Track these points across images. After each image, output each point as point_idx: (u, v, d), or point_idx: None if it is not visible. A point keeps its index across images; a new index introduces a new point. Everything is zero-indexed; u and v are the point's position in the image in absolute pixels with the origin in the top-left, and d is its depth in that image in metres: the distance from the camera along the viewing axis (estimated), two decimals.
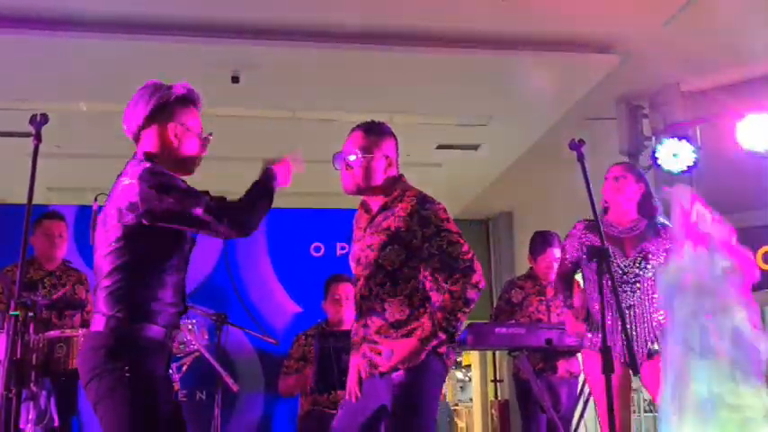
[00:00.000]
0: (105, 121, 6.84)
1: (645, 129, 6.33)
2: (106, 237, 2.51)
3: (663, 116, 6.17)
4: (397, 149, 3.03)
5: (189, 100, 2.72)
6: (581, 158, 2.96)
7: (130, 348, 2.43)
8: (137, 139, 2.69)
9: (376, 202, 2.96)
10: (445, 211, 2.89)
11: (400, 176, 3.01)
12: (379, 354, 2.80)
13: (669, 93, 6.15)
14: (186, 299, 2.68)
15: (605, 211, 3.88)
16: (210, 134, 2.77)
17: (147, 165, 2.55)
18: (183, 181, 2.56)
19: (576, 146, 2.95)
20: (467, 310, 2.78)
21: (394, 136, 3.03)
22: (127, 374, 2.39)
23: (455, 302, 2.77)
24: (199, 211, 2.46)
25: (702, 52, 5.70)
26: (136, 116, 2.67)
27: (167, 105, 2.66)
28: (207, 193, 2.58)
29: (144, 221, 2.44)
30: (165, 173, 2.53)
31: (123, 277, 2.47)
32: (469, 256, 2.82)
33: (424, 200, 2.88)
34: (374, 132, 2.97)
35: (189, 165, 2.70)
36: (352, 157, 2.90)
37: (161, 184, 2.46)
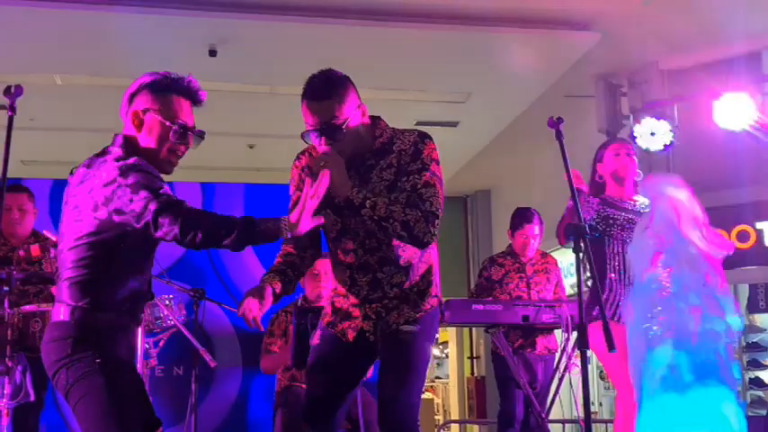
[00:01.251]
0: (79, 94, 6.78)
1: (623, 107, 6.36)
2: (76, 227, 2.42)
3: (641, 95, 6.20)
4: (356, 88, 2.71)
5: (161, 86, 2.54)
6: (559, 136, 2.95)
7: (98, 337, 2.41)
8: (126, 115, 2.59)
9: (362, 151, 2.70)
10: (437, 152, 2.71)
11: (376, 118, 2.76)
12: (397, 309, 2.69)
13: (648, 71, 6.18)
14: (151, 286, 2.64)
15: (601, 186, 3.83)
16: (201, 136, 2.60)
17: (130, 161, 2.41)
18: (159, 180, 2.41)
19: (555, 124, 2.94)
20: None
21: (349, 79, 2.68)
22: (97, 360, 2.38)
23: (399, 237, 2.60)
24: (153, 206, 2.30)
25: (681, 31, 5.71)
26: (129, 96, 2.57)
27: (136, 92, 2.53)
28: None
29: (114, 218, 2.37)
30: (143, 170, 2.39)
31: (90, 270, 2.42)
32: (438, 206, 2.62)
33: (423, 135, 2.73)
34: (333, 91, 2.59)
35: (161, 167, 2.52)
36: (331, 132, 2.57)
37: (136, 183, 2.34)
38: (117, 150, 2.47)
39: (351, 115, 2.63)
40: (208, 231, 2.29)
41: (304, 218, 2.36)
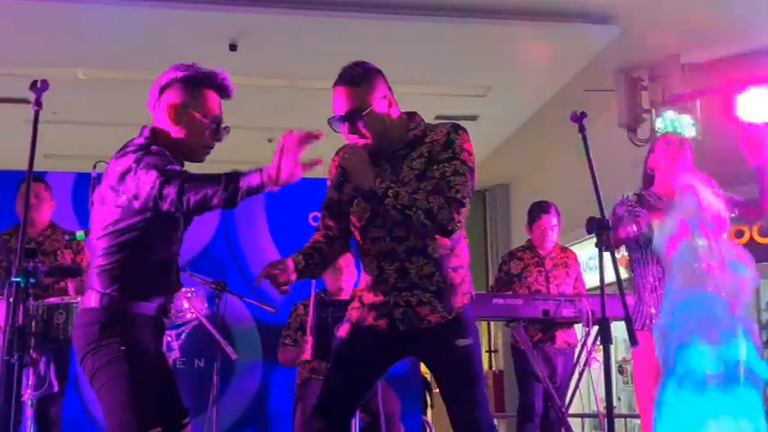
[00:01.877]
0: (101, 88, 6.83)
1: (643, 101, 6.33)
2: (103, 217, 2.49)
3: (662, 88, 6.17)
4: (388, 84, 2.71)
5: (196, 80, 2.57)
6: (582, 131, 2.93)
7: (124, 324, 2.46)
8: (155, 108, 2.62)
9: (397, 145, 2.70)
10: (470, 143, 2.68)
11: (413, 113, 2.78)
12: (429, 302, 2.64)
13: (669, 65, 6.15)
14: (180, 277, 2.69)
15: (650, 179, 3.70)
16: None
17: (148, 146, 2.47)
18: (173, 163, 2.44)
19: (578, 118, 2.92)
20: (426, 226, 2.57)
21: (380, 71, 2.70)
22: (122, 348, 2.43)
23: (424, 225, 2.56)
24: (152, 174, 2.32)
25: (703, 24, 5.68)
26: (156, 91, 2.59)
27: (168, 84, 2.56)
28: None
29: (134, 204, 2.40)
30: (157, 154, 2.44)
31: (118, 258, 2.47)
32: (465, 194, 2.58)
33: (457, 126, 2.71)
34: (360, 79, 2.63)
35: (192, 158, 2.60)
36: (354, 118, 2.61)
37: (147, 164, 2.38)
38: (140, 140, 2.50)
39: (375, 105, 2.64)
40: (197, 193, 2.28)
41: (284, 168, 2.30)
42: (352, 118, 2.63)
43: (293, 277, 2.65)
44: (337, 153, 2.82)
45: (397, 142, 2.71)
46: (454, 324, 2.68)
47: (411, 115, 2.78)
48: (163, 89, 2.56)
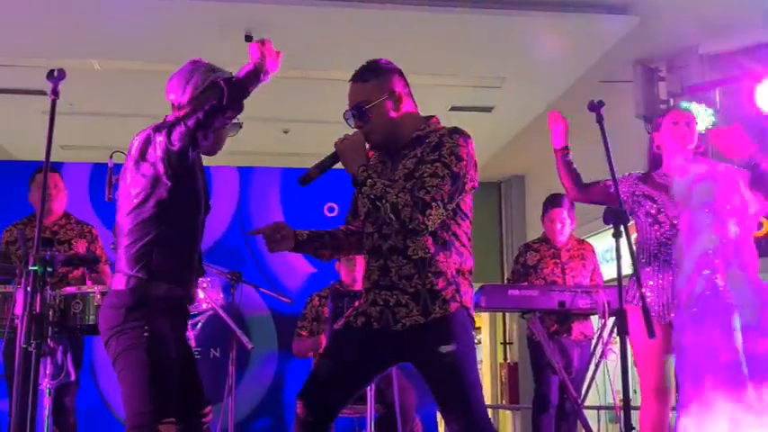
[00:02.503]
0: (117, 79, 6.85)
1: (661, 92, 6.27)
2: (128, 193, 2.57)
3: (680, 79, 6.11)
4: (406, 83, 2.77)
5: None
6: (600, 120, 2.91)
7: (148, 308, 2.50)
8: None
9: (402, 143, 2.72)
10: (466, 148, 2.63)
11: (431, 116, 2.79)
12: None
13: (687, 55, 6.08)
14: (203, 262, 2.73)
15: (658, 159, 3.60)
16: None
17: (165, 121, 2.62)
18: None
19: (596, 107, 2.90)
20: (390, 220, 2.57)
21: (396, 70, 2.77)
22: (145, 334, 2.47)
23: (390, 219, 2.57)
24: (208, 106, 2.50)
25: (722, 13, 5.62)
26: (184, 92, 2.69)
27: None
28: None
29: (159, 168, 2.52)
30: (171, 121, 2.58)
31: (143, 237, 2.54)
32: (435, 196, 2.53)
33: (454, 130, 2.69)
34: (369, 75, 2.71)
35: (209, 153, 2.77)
36: (360, 111, 2.68)
37: (162, 125, 2.56)
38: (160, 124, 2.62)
39: (381, 101, 2.69)
40: (205, 108, 2.49)
41: (268, 54, 2.59)
42: (357, 111, 2.70)
43: (289, 240, 2.73)
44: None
45: (403, 140, 2.73)
46: (436, 330, 2.61)
47: (427, 118, 2.80)
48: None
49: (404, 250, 2.64)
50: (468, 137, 2.69)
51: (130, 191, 2.56)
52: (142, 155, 2.54)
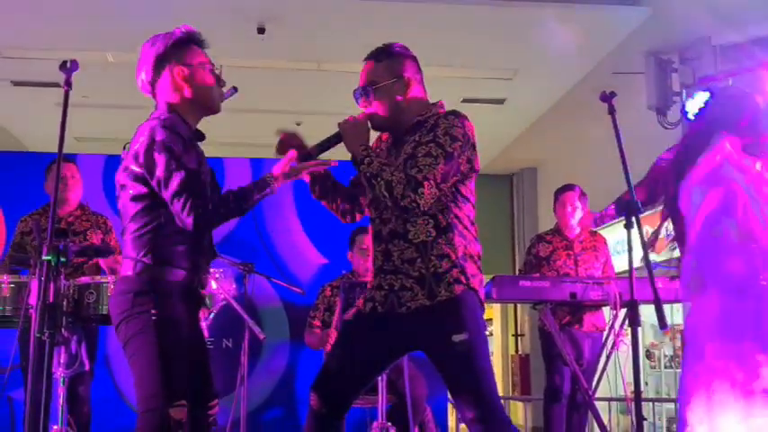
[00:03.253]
0: (131, 71, 6.87)
1: (674, 83, 6.25)
2: (130, 180, 2.56)
3: (693, 70, 6.09)
4: (418, 69, 2.79)
5: (188, 40, 2.69)
6: (612, 111, 2.89)
7: (156, 292, 2.50)
8: (153, 94, 2.69)
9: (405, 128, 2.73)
10: (462, 129, 2.63)
11: (437, 102, 2.78)
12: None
13: (700, 46, 6.06)
14: (213, 245, 2.72)
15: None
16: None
17: (164, 116, 2.59)
18: (180, 145, 2.52)
19: (608, 98, 2.88)
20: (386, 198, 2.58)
21: (408, 55, 2.79)
22: (153, 318, 2.47)
23: (383, 197, 2.58)
24: (176, 181, 2.46)
25: (734, 5, 5.59)
26: (145, 71, 2.67)
27: (167, 51, 2.65)
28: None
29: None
30: (172, 130, 2.53)
31: (147, 221, 2.54)
32: (427, 174, 2.54)
33: (450, 112, 2.70)
34: (383, 57, 2.75)
35: (208, 103, 2.69)
36: (367, 91, 2.72)
37: (161, 142, 2.50)
38: (160, 112, 2.62)
39: (390, 83, 2.72)
40: (212, 220, 2.51)
41: (284, 167, 2.59)
42: (365, 90, 2.75)
43: (292, 153, 2.67)
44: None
45: (405, 125, 2.75)
46: (444, 315, 2.62)
47: (434, 103, 2.80)
48: (158, 62, 2.65)
49: (404, 234, 2.66)
50: (465, 118, 2.70)
51: (131, 177, 2.55)
52: (137, 157, 2.51)
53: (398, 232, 2.67)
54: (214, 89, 2.69)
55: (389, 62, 2.75)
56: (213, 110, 2.72)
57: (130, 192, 2.56)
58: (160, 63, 2.65)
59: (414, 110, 2.75)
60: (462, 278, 2.64)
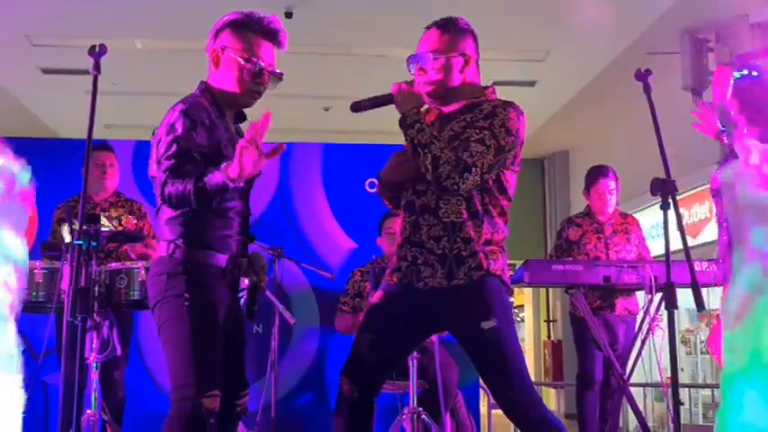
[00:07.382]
0: (159, 58, 6.89)
1: (710, 63, 6.13)
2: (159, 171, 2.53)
3: (730, 49, 5.96)
4: (477, 50, 2.74)
5: (259, 30, 2.60)
6: (647, 89, 2.83)
7: (191, 275, 2.47)
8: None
9: (452, 108, 2.69)
10: (518, 124, 2.60)
11: (488, 86, 2.74)
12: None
13: (737, 25, 5.92)
14: (249, 229, 2.69)
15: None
16: (277, 72, 2.64)
17: (188, 98, 2.55)
18: (191, 128, 2.47)
19: (643, 76, 2.82)
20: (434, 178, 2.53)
21: (473, 34, 2.74)
22: (186, 303, 2.44)
23: (426, 170, 2.53)
24: (165, 165, 2.44)
25: None
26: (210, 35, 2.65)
27: (222, 27, 2.61)
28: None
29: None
30: (186, 113, 2.48)
31: None
32: (477, 161, 2.51)
33: (509, 104, 2.65)
34: (450, 29, 2.68)
35: (226, 97, 2.61)
36: (426, 58, 2.64)
37: (169, 124, 2.48)
38: (194, 92, 2.58)
39: (452, 57, 2.66)
40: (175, 187, 2.40)
41: (245, 166, 2.33)
42: (423, 58, 2.67)
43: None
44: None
45: (454, 104, 2.70)
46: (470, 299, 2.60)
47: (485, 87, 2.76)
48: (217, 33, 2.62)
49: (435, 210, 2.63)
50: (522, 113, 2.66)
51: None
52: (159, 144, 2.50)
53: (430, 207, 2.65)
54: (240, 83, 2.59)
55: (455, 35, 2.69)
56: (235, 104, 2.66)
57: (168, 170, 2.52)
58: (217, 32, 2.62)
59: (466, 89, 2.71)
60: (483, 263, 2.62)
